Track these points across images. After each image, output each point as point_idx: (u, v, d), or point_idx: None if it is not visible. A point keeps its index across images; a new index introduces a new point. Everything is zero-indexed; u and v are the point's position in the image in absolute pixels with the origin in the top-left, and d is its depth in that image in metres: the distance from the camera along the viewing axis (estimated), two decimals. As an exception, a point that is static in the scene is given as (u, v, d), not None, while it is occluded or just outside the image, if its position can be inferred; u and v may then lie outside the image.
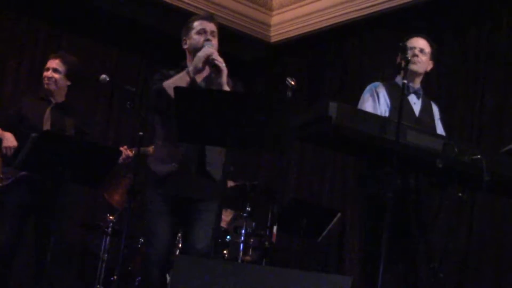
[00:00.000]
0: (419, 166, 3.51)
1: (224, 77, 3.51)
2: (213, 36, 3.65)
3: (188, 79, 3.52)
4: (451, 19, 5.96)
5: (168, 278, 4.43)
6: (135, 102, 4.65)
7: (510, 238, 5.14)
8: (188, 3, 6.66)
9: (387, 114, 3.77)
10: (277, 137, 3.20)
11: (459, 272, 5.21)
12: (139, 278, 5.24)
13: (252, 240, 5.41)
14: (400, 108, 3.28)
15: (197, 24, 3.68)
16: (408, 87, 3.84)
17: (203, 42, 3.59)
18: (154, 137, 3.81)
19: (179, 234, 4.82)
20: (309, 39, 7.02)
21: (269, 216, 5.37)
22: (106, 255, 5.45)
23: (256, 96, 3.68)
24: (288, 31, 7.13)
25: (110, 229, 5.45)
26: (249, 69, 7.72)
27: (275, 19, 7.26)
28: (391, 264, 3.47)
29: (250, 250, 5.41)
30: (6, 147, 4.31)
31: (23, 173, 4.27)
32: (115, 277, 5.30)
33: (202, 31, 3.64)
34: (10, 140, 4.32)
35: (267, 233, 5.36)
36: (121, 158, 4.61)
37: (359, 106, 3.85)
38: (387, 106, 3.83)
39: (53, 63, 4.59)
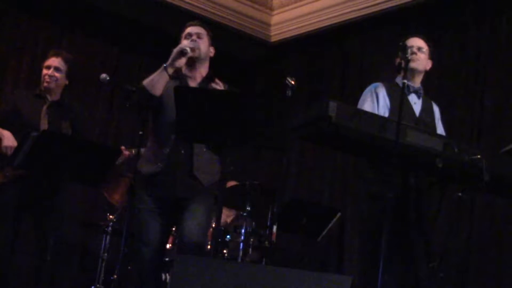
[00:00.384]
0: (419, 166, 3.51)
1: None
2: (199, 37, 3.76)
3: (165, 73, 3.57)
4: (451, 19, 5.96)
5: (163, 276, 4.44)
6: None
7: (510, 238, 5.14)
8: (188, 3, 6.66)
9: (386, 116, 3.77)
10: (277, 137, 3.20)
11: (459, 272, 5.21)
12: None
13: (252, 239, 5.41)
14: (400, 108, 3.28)
15: (186, 30, 3.82)
16: (408, 86, 3.85)
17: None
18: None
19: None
20: (309, 38, 7.02)
21: (269, 215, 5.37)
22: (106, 254, 5.46)
23: (256, 96, 3.69)
24: (288, 30, 7.13)
25: (110, 228, 5.45)
26: (249, 68, 7.73)
27: (275, 19, 7.26)
28: (391, 264, 3.47)
29: (250, 249, 5.41)
30: (6, 147, 4.30)
31: (20, 172, 4.26)
32: (115, 276, 5.30)
33: (188, 35, 3.78)
34: (10, 139, 4.32)
35: (267, 232, 5.36)
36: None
37: (359, 106, 3.84)
38: (387, 107, 3.83)
39: (55, 61, 4.58)
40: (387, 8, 6.15)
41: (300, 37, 7.07)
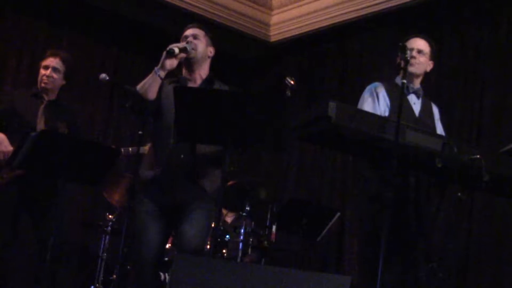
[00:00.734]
0: (418, 166, 3.51)
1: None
2: (195, 38, 3.71)
3: (156, 76, 3.54)
4: (451, 19, 5.96)
5: (162, 276, 4.44)
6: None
7: (509, 238, 5.14)
8: (188, 3, 6.66)
9: (386, 114, 3.77)
10: (276, 137, 3.20)
11: (458, 272, 5.21)
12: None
13: (251, 239, 5.40)
14: (399, 108, 3.28)
15: (183, 33, 3.78)
16: (408, 87, 3.85)
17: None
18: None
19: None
20: (309, 38, 7.02)
21: (269, 215, 5.37)
22: (105, 254, 5.46)
23: (255, 96, 3.68)
24: (287, 30, 7.13)
25: (109, 228, 5.45)
26: (248, 68, 7.73)
27: (275, 19, 7.26)
28: (390, 264, 3.47)
29: (250, 249, 5.41)
30: (1, 152, 4.29)
31: (18, 172, 4.26)
32: (114, 276, 5.30)
33: (184, 37, 3.74)
34: (4, 144, 4.30)
35: (266, 232, 5.36)
36: None
37: (359, 106, 3.85)
38: (387, 106, 3.83)
39: (53, 61, 4.57)
40: (387, 8, 6.15)
41: (299, 37, 7.06)
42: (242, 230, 5.29)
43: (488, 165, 3.34)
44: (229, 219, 5.96)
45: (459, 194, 3.52)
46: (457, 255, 5.17)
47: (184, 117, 3.21)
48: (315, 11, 6.80)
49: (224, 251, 5.31)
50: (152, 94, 3.53)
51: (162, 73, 3.54)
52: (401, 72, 3.55)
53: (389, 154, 3.18)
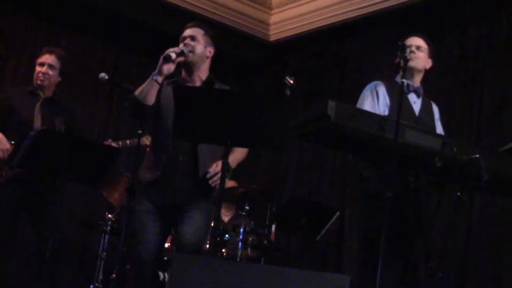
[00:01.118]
0: (418, 165, 3.51)
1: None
2: (193, 39, 3.69)
3: (154, 82, 3.52)
4: (451, 19, 5.96)
5: (161, 275, 4.44)
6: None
7: (509, 237, 5.14)
8: (188, 2, 6.66)
9: (386, 113, 3.77)
10: (276, 136, 3.20)
11: (458, 271, 5.20)
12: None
13: (250, 238, 5.40)
14: (399, 107, 3.28)
15: (183, 33, 3.75)
16: (408, 85, 3.85)
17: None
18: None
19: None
20: (309, 38, 7.01)
21: (268, 214, 5.37)
22: (105, 253, 5.45)
23: (255, 95, 3.68)
24: (287, 30, 7.13)
25: (109, 227, 5.44)
26: (248, 68, 7.73)
27: (274, 18, 7.26)
28: (390, 264, 3.47)
29: (249, 248, 5.41)
30: (0, 150, 4.29)
31: (18, 171, 4.25)
32: (114, 275, 5.29)
33: (182, 39, 3.72)
34: (3, 142, 4.30)
35: (266, 232, 5.36)
36: None
37: (359, 105, 3.85)
38: (387, 105, 3.83)
39: (49, 58, 4.58)
40: (386, 7, 6.14)
41: (299, 36, 7.06)
42: (241, 230, 5.29)
43: (488, 165, 3.34)
44: (226, 218, 5.96)
45: (459, 193, 3.52)
46: (457, 254, 5.17)
47: (184, 116, 3.21)
48: (314, 10, 6.80)
49: (223, 250, 5.31)
50: (150, 99, 3.54)
51: (160, 79, 3.54)
52: (401, 71, 3.55)
53: (388, 153, 3.18)
